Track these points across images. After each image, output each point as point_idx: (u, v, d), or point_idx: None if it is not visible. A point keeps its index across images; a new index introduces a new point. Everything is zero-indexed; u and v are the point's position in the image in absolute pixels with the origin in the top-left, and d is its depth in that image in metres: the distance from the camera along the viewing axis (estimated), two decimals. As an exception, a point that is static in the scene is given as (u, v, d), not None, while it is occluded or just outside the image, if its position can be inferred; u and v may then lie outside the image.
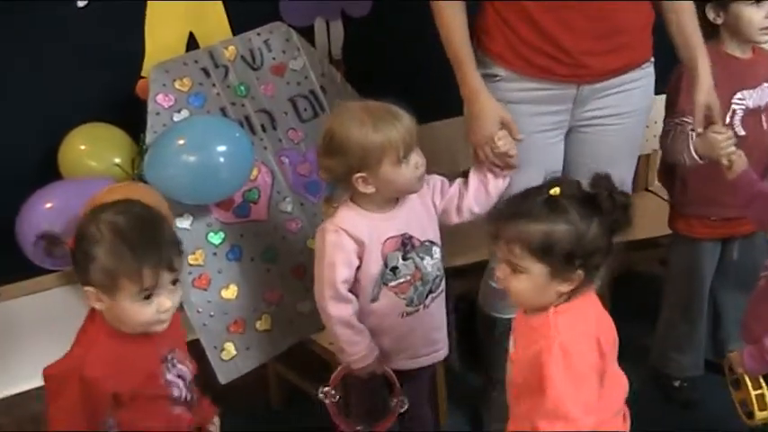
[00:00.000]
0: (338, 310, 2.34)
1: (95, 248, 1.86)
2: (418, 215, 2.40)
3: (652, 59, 2.61)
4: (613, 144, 2.61)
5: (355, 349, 2.38)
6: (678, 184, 2.87)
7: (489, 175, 2.45)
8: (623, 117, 2.59)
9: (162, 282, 1.88)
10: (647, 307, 3.15)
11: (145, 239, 1.87)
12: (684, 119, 2.64)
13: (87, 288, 1.90)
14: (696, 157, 2.59)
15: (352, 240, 2.31)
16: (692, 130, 2.59)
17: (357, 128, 2.22)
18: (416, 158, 2.28)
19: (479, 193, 2.44)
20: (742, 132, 2.73)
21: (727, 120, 2.69)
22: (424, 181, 2.35)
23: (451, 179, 2.52)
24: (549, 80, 2.47)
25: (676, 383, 3.08)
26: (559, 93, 2.51)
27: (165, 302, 1.89)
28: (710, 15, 2.67)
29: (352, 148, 2.22)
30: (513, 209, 1.90)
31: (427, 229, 2.42)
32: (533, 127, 2.52)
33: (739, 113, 2.75)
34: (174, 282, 1.91)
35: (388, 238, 2.36)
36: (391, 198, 2.35)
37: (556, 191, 1.86)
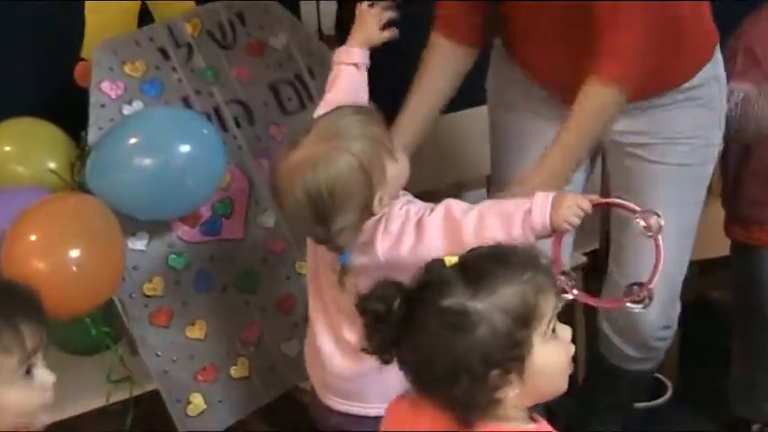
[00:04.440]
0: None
1: None
2: None
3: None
4: (649, 174, 2.36)
5: None
6: (729, 179, 2.68)
7: None
8: (661, 142, 2.34)
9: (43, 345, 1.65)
10: (722, 341, 2.91)
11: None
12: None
13: None
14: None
15: None
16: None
17: (338, 158, 1.96)
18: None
19: None
20: None
21: None
22: None
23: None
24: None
25: (755, 428, 2.83)
26: None
27: (48, 377, 1.66)
28: None
29: (354, 181, 1.98)
30: None
31: None
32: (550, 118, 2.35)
33: None
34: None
35: None
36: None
37: None
